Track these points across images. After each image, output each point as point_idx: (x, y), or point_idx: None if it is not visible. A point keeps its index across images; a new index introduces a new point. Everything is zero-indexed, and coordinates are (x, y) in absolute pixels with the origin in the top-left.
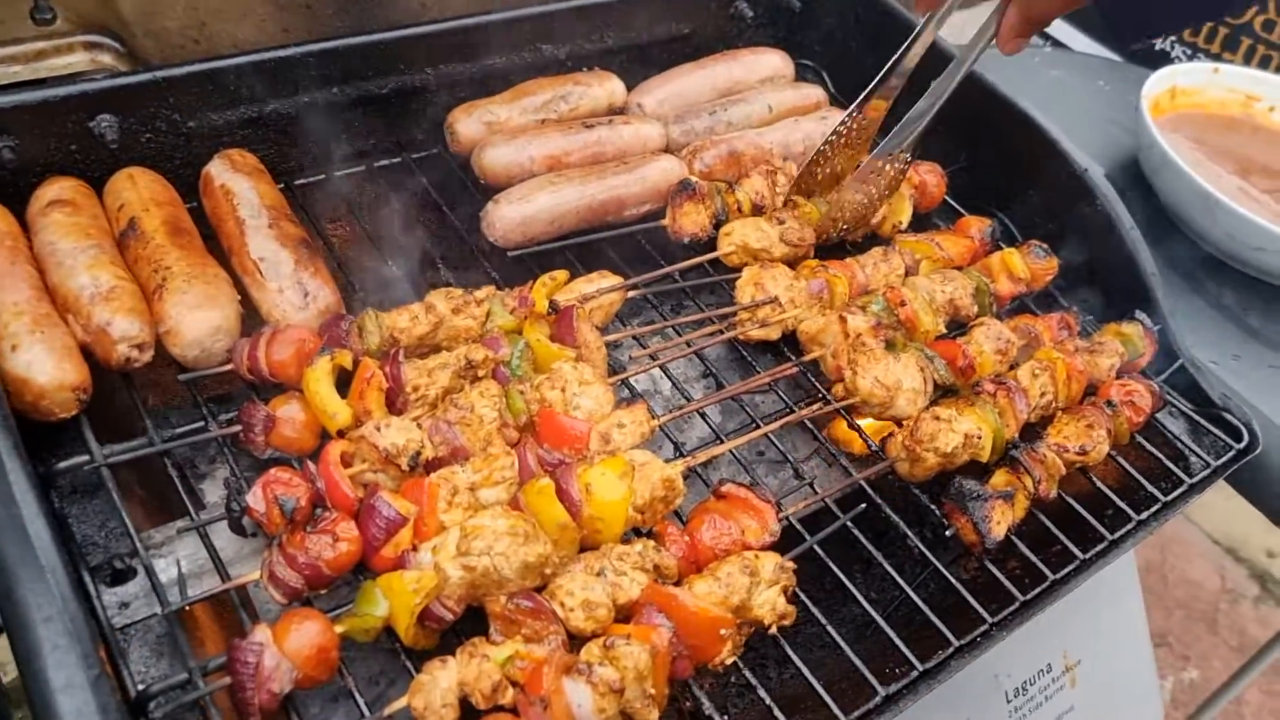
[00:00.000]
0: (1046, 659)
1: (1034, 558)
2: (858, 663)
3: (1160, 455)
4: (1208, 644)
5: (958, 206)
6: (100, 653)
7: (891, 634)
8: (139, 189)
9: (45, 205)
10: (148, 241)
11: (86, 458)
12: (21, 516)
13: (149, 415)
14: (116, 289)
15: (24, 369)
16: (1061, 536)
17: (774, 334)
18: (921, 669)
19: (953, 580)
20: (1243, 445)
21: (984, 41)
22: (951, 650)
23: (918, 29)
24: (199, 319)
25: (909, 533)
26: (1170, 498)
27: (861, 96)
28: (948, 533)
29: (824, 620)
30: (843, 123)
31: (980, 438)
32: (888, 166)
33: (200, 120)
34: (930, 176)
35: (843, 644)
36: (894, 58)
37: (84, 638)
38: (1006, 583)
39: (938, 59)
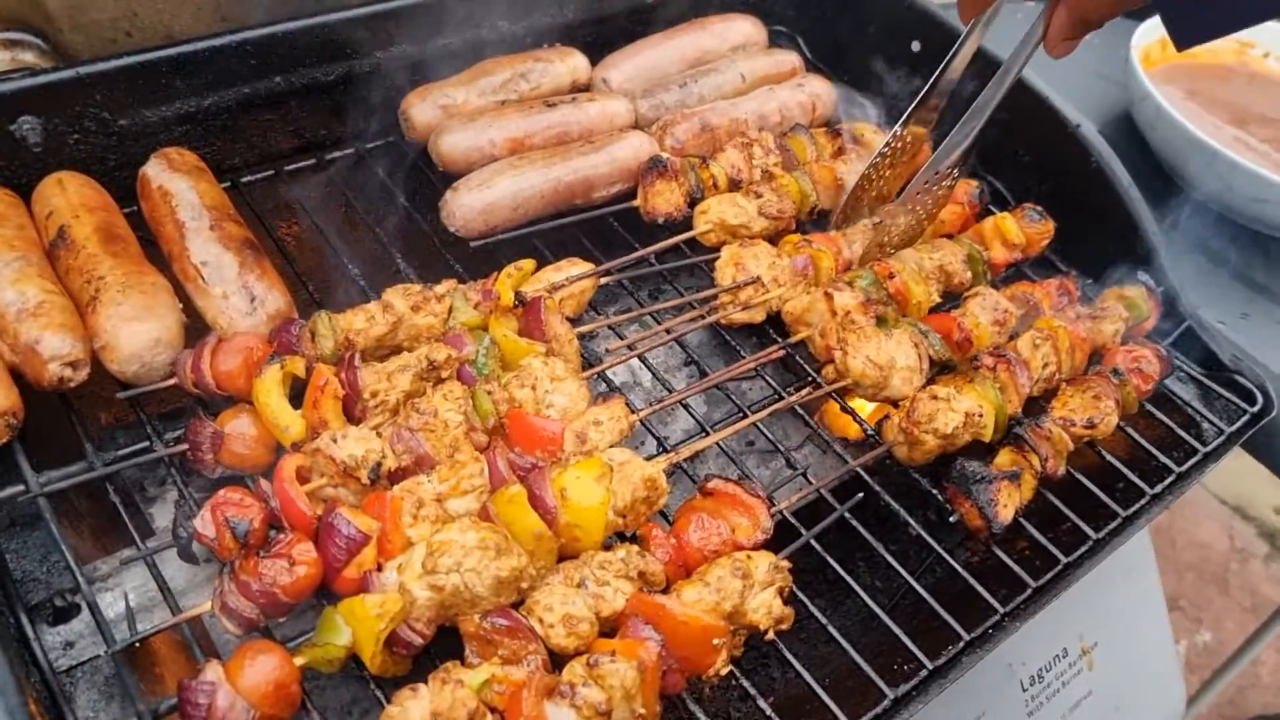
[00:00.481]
0: (1062, 643)
1: (1043, 539)
2: (863, 664)
3: (1170, 423)
4: (1220, 605)
5: None
6: (30, 705)
7: (897, 630)
8: (68, 195)
9: None
10: (79, 250)
11: (21, 488)
12: None
13: (90, 437)
14: (45, 304)
15: None
16: (1071, 515)
17: (758, 316)
18: (931, 667)
19: (959, 569)
20: (1257, 408)
21: (1031, 46)
22: (962, 645)
23: (962, 37)
24: (136, 331)
25: (910, 520)
26: (1184, 468)
27: (906, 113)
28: (951, 519)
29: (823, 619)
30: (887, 144)
31: (982, 416)
32: (935, 185)
33: (133, 118)
34: None
35: (845, 644)
36: (938, 69)
37: (9, 690)
38: (1016, 568)
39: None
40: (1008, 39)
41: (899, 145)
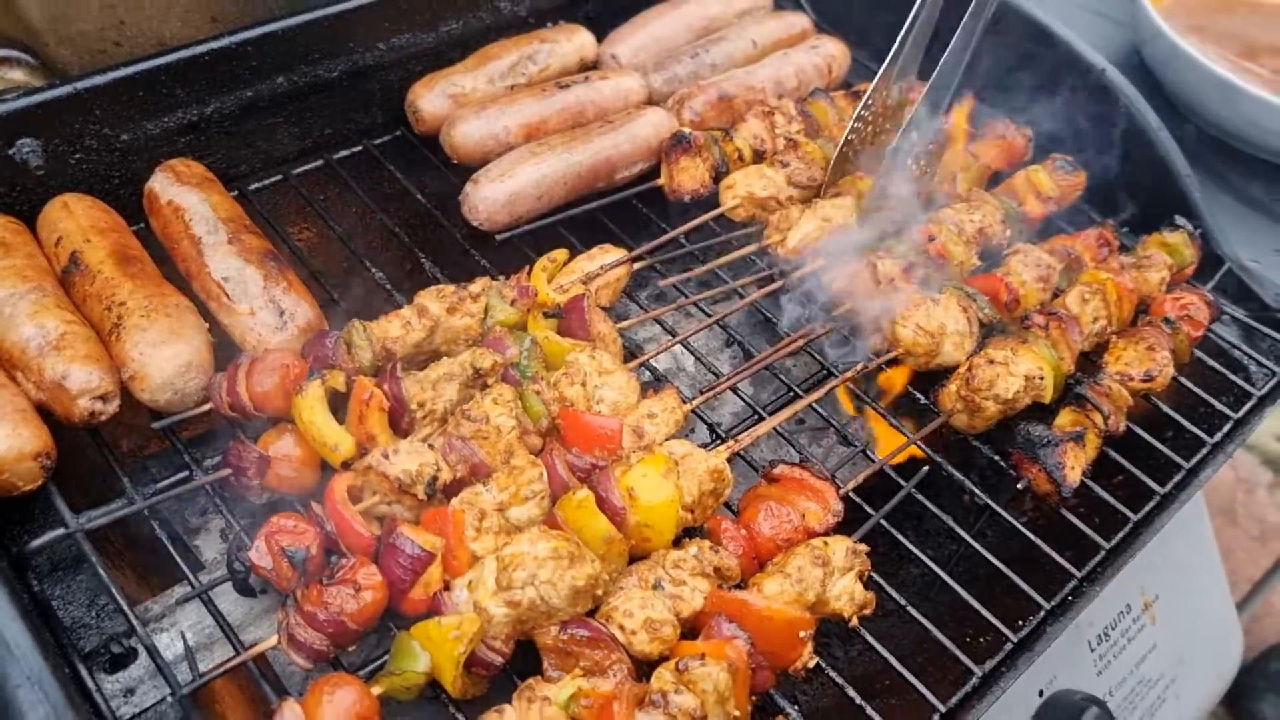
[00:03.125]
0: (1125, 600)
1: (1110, 497)
2: (947, 643)
3: (1219, 367)
4: (1229, 537)
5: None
6: None
7: (976, 604)
8: (76, 218)
9: None
10: (94, 276)
11: (61, 530)
12: None
13: (125, 470)
14: (67, 335)
15: None
16: (1135, 470)
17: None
18: (1015, 640)
19: (1032, 537)
20: None
21: None
22: (1043, 615)
23: None
24: (166, 357)
25: (975, 490)
26: (1242, 413)
27: (883, 67)
28: (1019, 485)
29: (902, 599)
30: (864, 103)
31: (1042, 379)
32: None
33: (135, 132)
34: None
35: (928, 624)
36: (912, 15)
37: None
38: (1086, 529)
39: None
40: None
41: (884, 101)
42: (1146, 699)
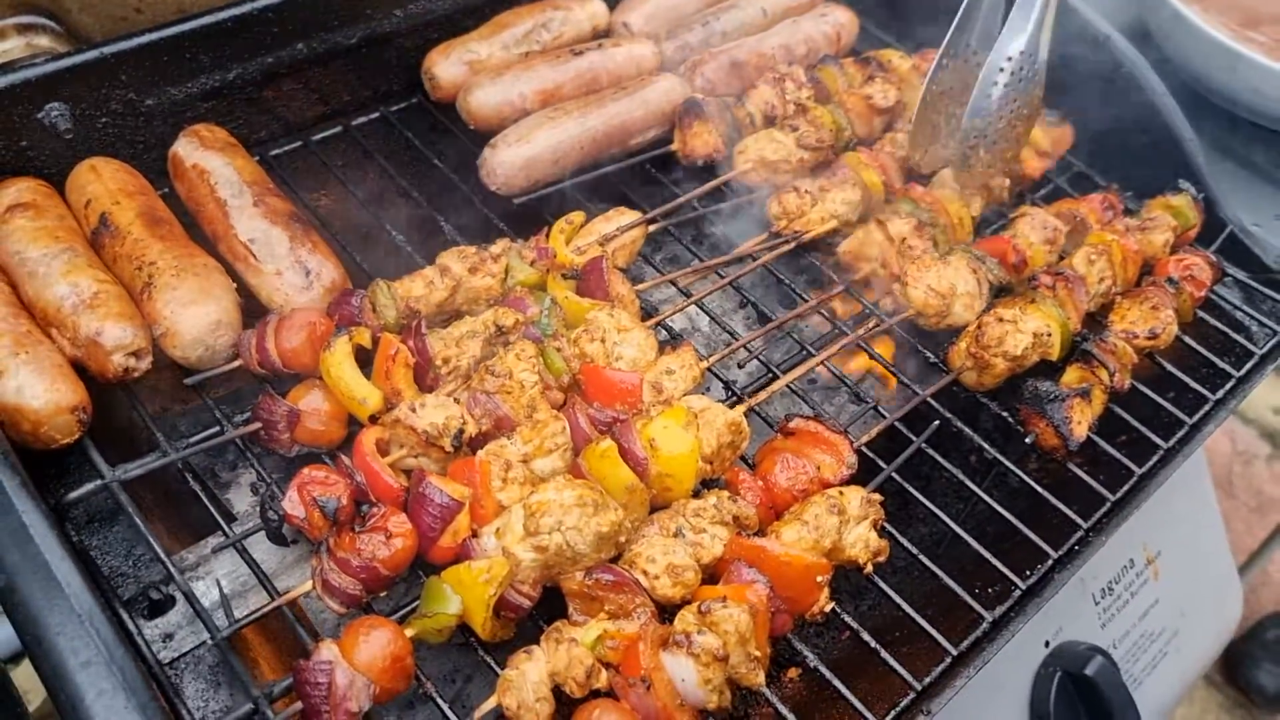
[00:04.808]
0: (1128, 555)
1: (1116, 452)
2: (959, 591)
3: (1221, 327)
4: (1227, 508)
5: None
6: (160, 699)
7: (985, 553)
8: (105, 180)
9: (3, 211)
10: (124, 237)
11: (98, 482)
12: (44, 558)
13: (157, 425)
14: (100, 293)
15: (14, 396)
16: (1139, 426)
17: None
18: (1024, 587)
19: (1040, 490)
20: None
21: None
22: (1050, 563)
23: None
24: (196, 315)
25: (985, 445)
26: (1244, 371)
27: (954, 24)
28: (1027, 439)
29: (914, 549)
30: (933, 74)
31: (1050, 335)
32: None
33: (159, 97)
34: None
35: (940, 572)
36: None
37: (137, 686)
38: (1092, 482)
39: None
40: None
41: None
42: (1149, 651)
